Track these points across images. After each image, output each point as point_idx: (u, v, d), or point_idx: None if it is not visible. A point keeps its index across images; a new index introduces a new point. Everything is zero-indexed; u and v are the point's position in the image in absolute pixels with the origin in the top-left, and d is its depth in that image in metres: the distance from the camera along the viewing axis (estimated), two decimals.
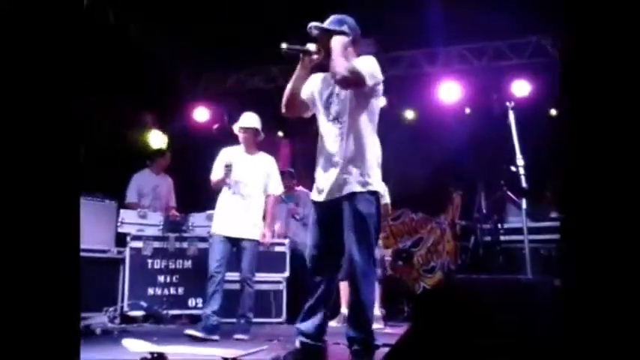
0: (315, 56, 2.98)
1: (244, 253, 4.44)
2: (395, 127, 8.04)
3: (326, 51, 2.93)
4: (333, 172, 2.94)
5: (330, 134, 2.99)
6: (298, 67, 3.01)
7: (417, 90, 7.52)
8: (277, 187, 4.77)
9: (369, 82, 2.88)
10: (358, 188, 2.89)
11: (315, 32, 2.98)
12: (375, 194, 2.93)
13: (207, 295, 4.34)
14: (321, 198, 3.00)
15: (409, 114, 7.92)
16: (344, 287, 5.44)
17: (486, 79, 7.05)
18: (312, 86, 3.10)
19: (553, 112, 6.87)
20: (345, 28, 3.00)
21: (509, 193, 5.06)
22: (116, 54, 6.47)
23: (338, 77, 2.84)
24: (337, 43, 2.89)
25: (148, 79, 6.96)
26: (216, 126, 6.82)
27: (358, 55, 3.07)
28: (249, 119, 4.59)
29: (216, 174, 4.59)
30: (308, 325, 2.98)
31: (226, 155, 4.63)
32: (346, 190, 2.90)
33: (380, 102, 3.06)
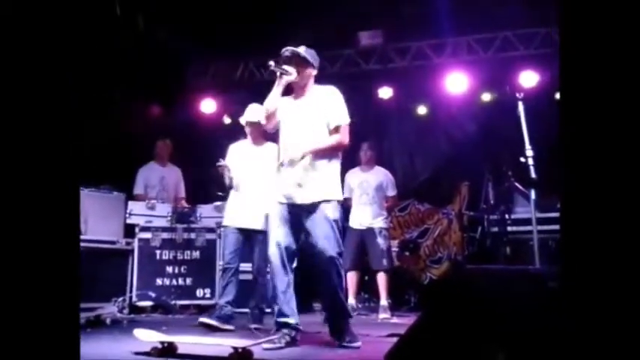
0: (289, 77, 3.49)
1: (256, 244, 4.47)
2: (402, 119, 8.06)
3: (297, 72, 3.50)
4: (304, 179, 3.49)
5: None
6: (275, 85, 3.51)
7: (424, 81, 7.49)
8: None
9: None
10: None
11: (287, 54, 3.52)
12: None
13: (222, 286, 4.51)
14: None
15: (416, 105, 7.90)
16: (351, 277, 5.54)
17: (494, 69, 7.01)
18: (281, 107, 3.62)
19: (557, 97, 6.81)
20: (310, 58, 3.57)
21: (516, 183, 5.06)
22: (121, 44, 6.47)
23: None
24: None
25: (154, 70, 6.95)
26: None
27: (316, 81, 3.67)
28: (255, 112, 4.54)
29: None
30: (294, 315, 3.51)
31: (233, 152, 4.71)
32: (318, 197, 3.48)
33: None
